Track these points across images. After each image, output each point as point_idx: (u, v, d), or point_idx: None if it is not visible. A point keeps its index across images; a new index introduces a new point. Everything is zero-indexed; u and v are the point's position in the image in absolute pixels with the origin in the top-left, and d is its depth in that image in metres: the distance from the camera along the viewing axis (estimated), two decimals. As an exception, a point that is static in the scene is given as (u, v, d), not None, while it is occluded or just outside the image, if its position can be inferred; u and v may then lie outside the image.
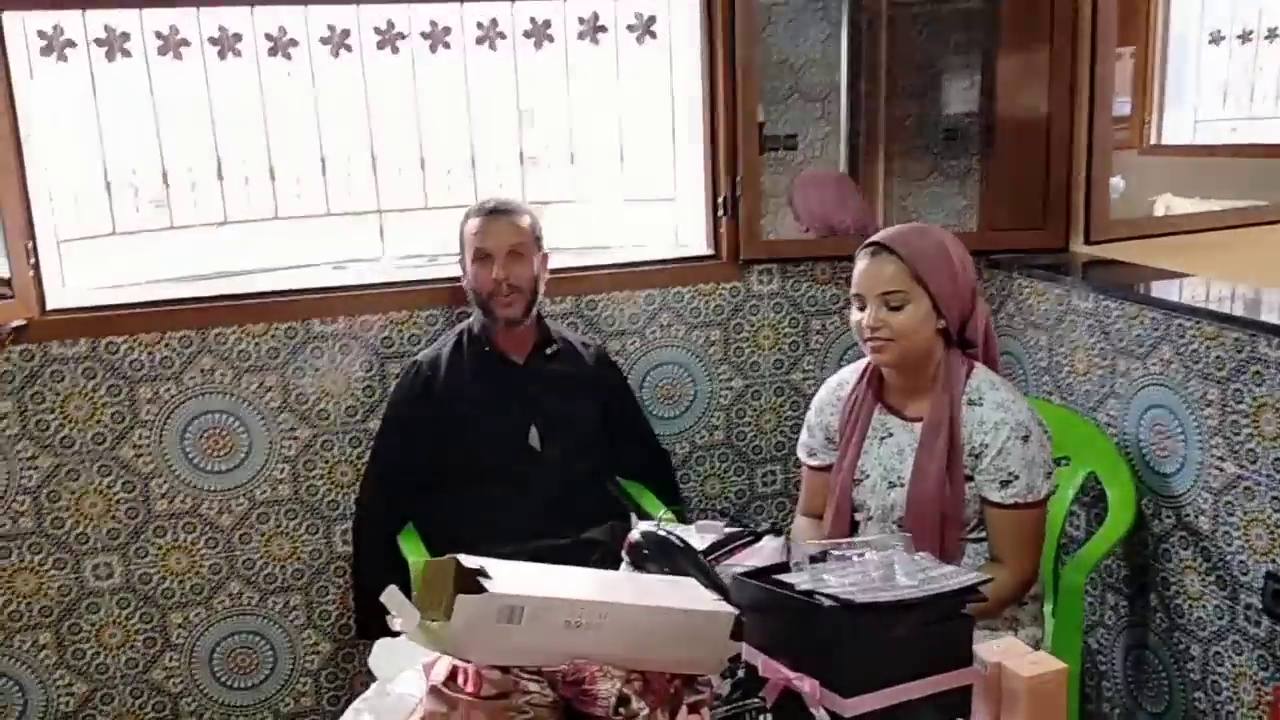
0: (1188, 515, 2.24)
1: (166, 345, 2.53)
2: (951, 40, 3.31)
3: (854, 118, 3.32)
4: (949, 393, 1.97)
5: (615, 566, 2.25)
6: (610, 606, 1.35)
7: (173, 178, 2.99)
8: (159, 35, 2.88)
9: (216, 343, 2.56)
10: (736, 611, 1.47)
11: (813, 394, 2.94)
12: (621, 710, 1.35)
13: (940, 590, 1.37)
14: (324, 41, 2.95)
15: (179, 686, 2.67)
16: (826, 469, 2.16)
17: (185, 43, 2.90)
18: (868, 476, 2.06)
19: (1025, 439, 1.94)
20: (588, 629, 1.33)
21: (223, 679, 2.70)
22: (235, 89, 3.04)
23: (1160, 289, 2.48)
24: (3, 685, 2.56)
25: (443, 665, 1.38)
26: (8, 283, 2.40)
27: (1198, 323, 2.19)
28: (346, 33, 2.94)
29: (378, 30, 2.95)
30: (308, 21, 2.90)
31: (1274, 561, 2.06)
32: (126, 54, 2.89)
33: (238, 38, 2.93)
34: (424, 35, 3.00)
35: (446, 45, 3.01)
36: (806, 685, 1.37)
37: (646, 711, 1.36)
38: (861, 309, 1.97)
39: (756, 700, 1.42)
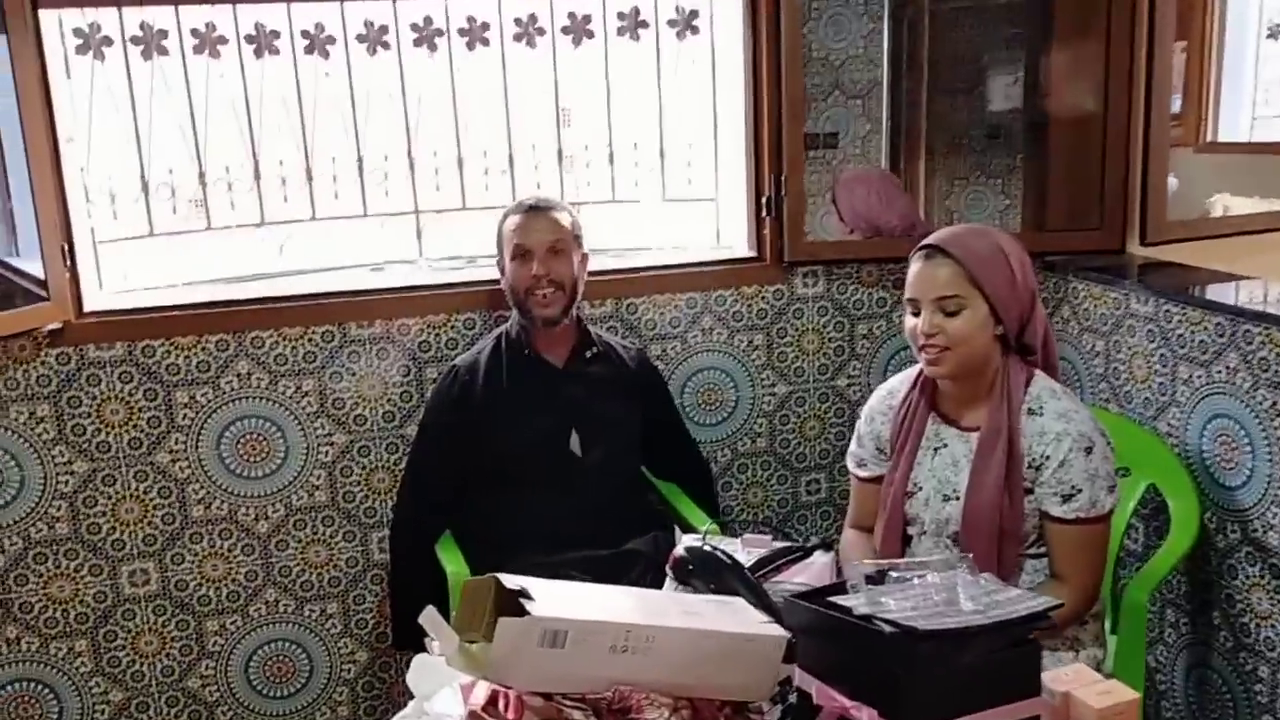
0: (1255, 530, 2.15)
1: (203, 349, 2.50)
2: (996, 35, 3.23)
3: (895, 115, 3.24)
4: (1008, 401, 1.89)
5: (658, 579, 2.20)
6: (657, 630, 1.29)
7: (209, 178, 2.95)
8: (195, 33, 2.85)
9: (253, 346, 2.52)
10: (789, 635, 1.40)
11: (858, 400, 2.90)
12: (670, 740, 1.29)
13: (1008, 617, 1.29)
14: (361, 39, 2.90)
15: (215, 695, 2.64)
16: (877, 480, 2.09)
17: (222, 40, 2.87)
18: (921, 489, 1.99)
19: (1088, 451, 1.86)
20: (634, 654, 1.27)
21: (259, 688, 2.67)
22: (272, 87, 3.00)
23: (1221, 292, 2.39)
24: (38, 692, 2.54)
25: (482, 689, 1.33)
26: (43, 283, 2.38)
27: (1266, 328, 2.10)
28: (384, 29, 2.89)
29: (415, 27, 2.90)
30: (344, 18, 2.86)
31: (1349, 580, 1.96)
32: (163, 51, 2.86)
33: (275, 35, 2.89)
34: (461, 32, 2.94)
35: (485, 42, 2.95)
36: (865, 715, 1.31)
37: (695, 741, 1.30)
38: (915, 314, 1.90)
39: (810, 729, 1.35)
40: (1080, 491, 1.86)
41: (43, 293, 2.37)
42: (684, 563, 1.71)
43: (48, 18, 2.38)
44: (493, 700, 1.31)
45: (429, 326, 2.61)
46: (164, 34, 2.83)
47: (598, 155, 3.15)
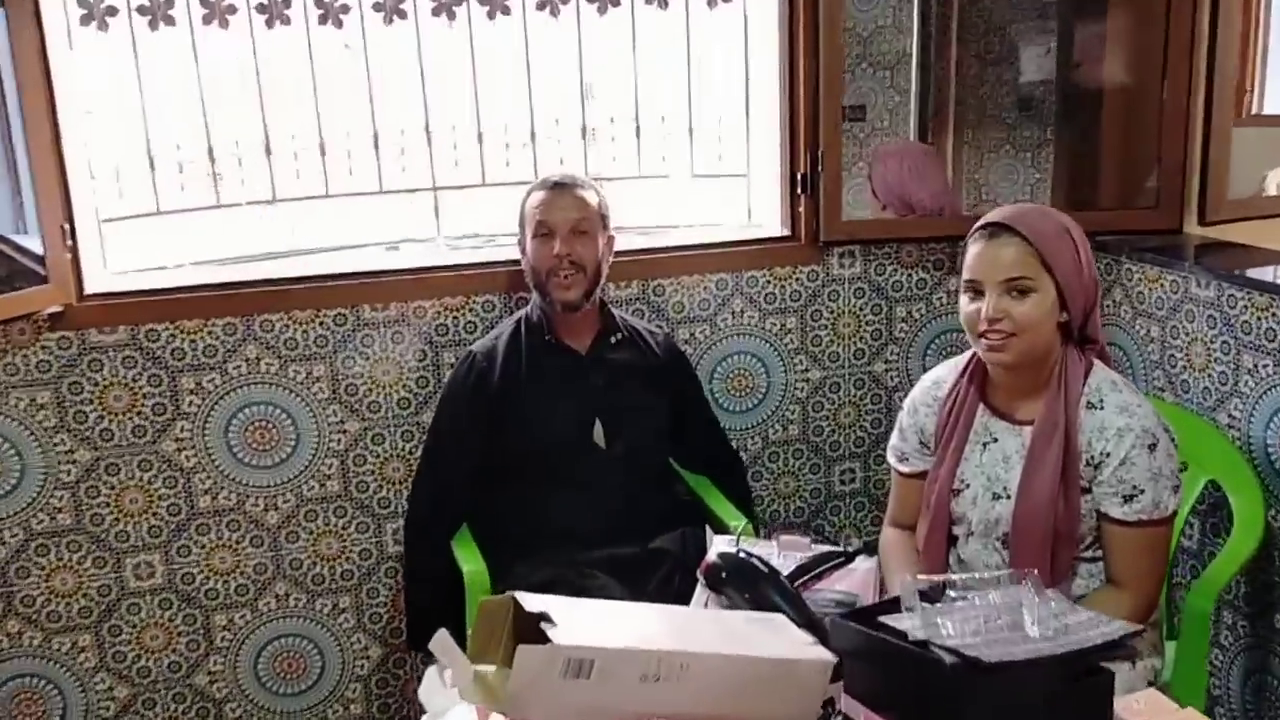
0: (1326, 531, 2.01)
1: (210, 333, 2.38)
2: (1029, 4, 3.10)
3: (924, 87, 3.11)
4: (1065, 393, 1.75)
5: (686, 579, 2.08)
6: (692, 656, 1.17)
7: (218, 154, 2.84)
8: (204, 2, 2.75)
9: (262, 330, 2.40)
10: (835, 659, 1.28)
11: (895, 387, 2.77)
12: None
13: (1082, 646, 1.16)
14: (376, 8, 2.80)
15: (223, 692, 2.55)
16: (920, 476, 1.96)
17: (232, 9, 2.77)
18: (968, 486, 1.85)
19: (1152, 448, 1.72)
20: (667, 682, 1.15)
21: (269, 684, 2.57)
22: (284, 59, 2.89)
23: (1285, 275, 2.23)
24: (41, 688, 2.45)
25: (498, 716, 1.21)
26: (43, 260, 2.27)
27: (1343, 316, 1.95)
28: (401, -3, 2.77)
29: (433, -6, 2.78)
30: (359, -15, 2.74)
31: None
32: (170, 21, 2.76)
33: (286, 4, 2.79)
34: (481, 1, 2.81)
35: (505, 11, 2.82)
36: (919, 749, 1.19)
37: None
38: (974, 298, 1.75)
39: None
40: (1143, 492, 1.72)
41: (42, 271, 2.26)
42: (717, 570, 1.59)
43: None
44: (510, 730, 1.19)
45: (446, 309, 2.49)
46: (170, 3, 2.73)
47: (623, 129, 3.02)
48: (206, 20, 2.77)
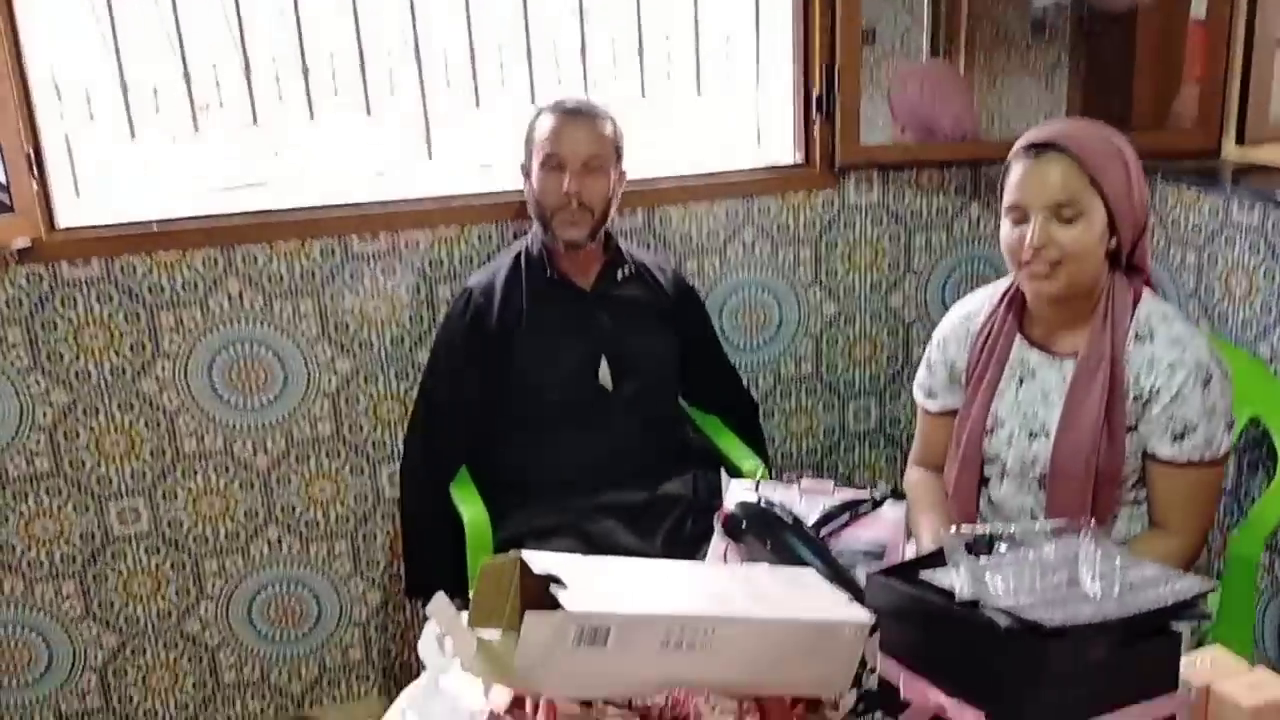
0: (1378, 470, 1.89)
1: (189, 266, 2.24)
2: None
3: (935, 8, 2.94)
4: (1112, 324, 1.62)
5: (700, 522, 1.97)
6: (719, 621, 1.05)
7: (195, 77, 2.67)
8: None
9: (244, 264, 2.26)
10: (872, 619, 1.16)
11: (914, 321, 2.64)
12: (734, 749, 1.06)
13: (1151, 607, 1.05)
14: (361, -82, 2.61)
15: (216, 639, 2.45)
16: (949, 414, 1.83)
17: (206, -80, 2.58)
18: (1003, 425, 1.73)
19: (1206, 383, 1.60)
20: (691, 649, 1.03)
21: (263, 631, 2.47)
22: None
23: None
24: (27, 638, 2.35)
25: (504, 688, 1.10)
26: (8, 189, 2.12)
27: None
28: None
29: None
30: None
31: None
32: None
33: (264, -85, 2.60)
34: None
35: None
36: (968, 717, 1.08)
37: (764, 749, 1.07)
38: (1018, 223, 1.61)
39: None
40: (1195, 429, 1.60)
41: (7, 200, 2.11)
42: (736, 520, 1.47)
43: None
44: (518, 701, 1.08)
45: (440, 240, 2.35)
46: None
47: (624, 49, 2.85)
48: (180, -67, 2.59)
